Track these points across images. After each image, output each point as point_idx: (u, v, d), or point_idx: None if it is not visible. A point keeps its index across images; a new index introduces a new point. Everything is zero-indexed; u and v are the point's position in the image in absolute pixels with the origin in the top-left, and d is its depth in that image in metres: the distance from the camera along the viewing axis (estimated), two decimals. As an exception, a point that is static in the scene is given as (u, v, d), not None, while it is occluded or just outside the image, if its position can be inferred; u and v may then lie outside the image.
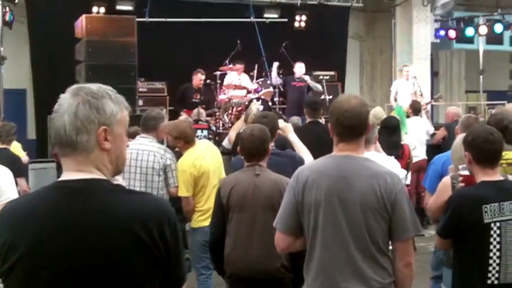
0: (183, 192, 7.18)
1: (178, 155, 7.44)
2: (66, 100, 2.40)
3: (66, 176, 2.42)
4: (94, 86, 2.47)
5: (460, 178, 4.80)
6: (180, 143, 7.33)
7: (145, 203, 2.44)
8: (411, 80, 15.86)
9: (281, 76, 15.61)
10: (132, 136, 8.45)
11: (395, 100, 15.72)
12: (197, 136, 11.38)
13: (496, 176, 4.56)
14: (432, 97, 17.29)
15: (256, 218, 5.14)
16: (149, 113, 7.41)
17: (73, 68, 13.01)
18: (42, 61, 15.43)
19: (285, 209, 3.95)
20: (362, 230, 3.71)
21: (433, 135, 13.80)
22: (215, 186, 6.79)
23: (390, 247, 3.86)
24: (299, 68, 15.15)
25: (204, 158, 7.24)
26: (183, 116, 12.33)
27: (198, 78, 14.69)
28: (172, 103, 15.08)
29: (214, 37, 16.42)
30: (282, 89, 15.39)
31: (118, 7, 15.68)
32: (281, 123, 6.51)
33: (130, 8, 15.74)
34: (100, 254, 2.31)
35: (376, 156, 6.11)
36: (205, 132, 12.61)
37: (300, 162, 5.69)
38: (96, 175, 2.41)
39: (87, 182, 2.38)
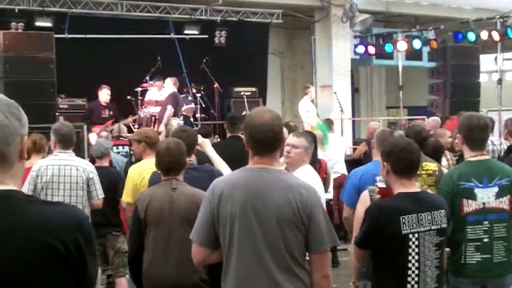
0: (125, 198, 7.00)
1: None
2: None
3: None
4: (2, 96, 2.40)
5: (377, 190, 4.83)
6: (142, 146, 7.25)
7: (59, 213, 2.39)
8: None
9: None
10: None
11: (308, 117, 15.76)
12: (118, 152, 11.31)
13: (413, 187, 4.58)
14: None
15: (172, 232, 5.11)
16: (68, 129, 7.20)
17: (-8, 85, 12.68)
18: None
19: (201, 221, 3.92)
20: (278, 242, 3.71)
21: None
22: None
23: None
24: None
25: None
26: (104, 133, 12.20)
27: (104, 94, 14.61)
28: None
29: (134, 54, 16.32)
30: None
31: (37, 24, 15.37)
32: (199, 138, 6.48)
33: (49, 24, 15.48)
34: (13, 265, 2.25)
35: (310, 171, 6.12)
36: (127, 148, 12.44)
37: (219, 176, 5.64)
38: (12, 186, 2.36)
39: (2, 193, 2.32)
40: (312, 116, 15.52)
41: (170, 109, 14.25)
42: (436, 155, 6.93)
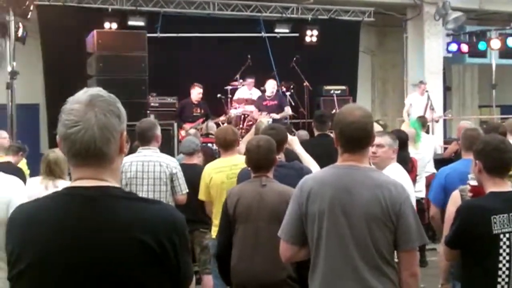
0: (200, 195, 7.24)
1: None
2: (83, 112, 2.35)
3: (79, 183, 2.39)
4: (100, 92, 2.44)
5: (469, 188, 4.75)
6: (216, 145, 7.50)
7: (155, 211, 2.43)
8: (425, 95, 15.84)
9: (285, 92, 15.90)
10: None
11: (408, 114, 15.66)
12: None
13: (505, 187, 4.48)
14: (444, 113, 17.25)
15: (261, 229, 5.13)
16: (142, 125, 7.33)
17: (85, 83, 12.98)
18: (55, 76, 15.25)
19: (289, 218, 3.94)
20: (366, 240, 3.69)
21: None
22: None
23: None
24: (271, 86, 15.09)
25: (222, 172, 7.09)
26: (192, 131, 12.34)
27: (196, 92, 14.62)
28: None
29: (225, 52, 16.48)
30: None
31: (130, 23, 15.69)
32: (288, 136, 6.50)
33: (142, 23, 15.79)
34: (108, 263, 2.30)
35: (399, 169, 6.08)
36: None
37: (307, 174, 5.65)
38: (110, 183, 2.41)
39: (100, 189, 2.37)
40: (414, 113, 15.34)
41: (288, 110, 14.98)
42: None
